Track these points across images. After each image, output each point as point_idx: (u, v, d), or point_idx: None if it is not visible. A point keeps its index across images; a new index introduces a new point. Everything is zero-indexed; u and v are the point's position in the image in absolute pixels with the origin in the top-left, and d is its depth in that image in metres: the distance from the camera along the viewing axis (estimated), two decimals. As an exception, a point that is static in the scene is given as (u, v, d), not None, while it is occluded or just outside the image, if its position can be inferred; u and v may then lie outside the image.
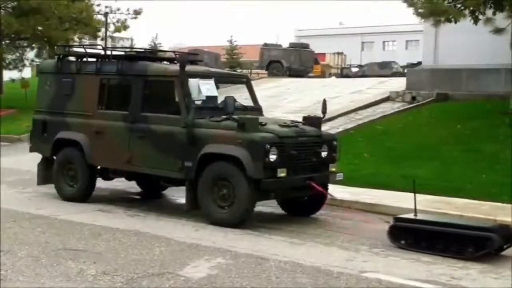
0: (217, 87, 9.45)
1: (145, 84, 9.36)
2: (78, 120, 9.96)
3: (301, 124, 9.13)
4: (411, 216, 7.66)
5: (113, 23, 31.82)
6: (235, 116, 8.55)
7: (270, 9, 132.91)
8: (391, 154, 13.52)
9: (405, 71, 30.05)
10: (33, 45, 28.86)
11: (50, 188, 10.42)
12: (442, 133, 14.89)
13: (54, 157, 10.28)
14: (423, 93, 19.74)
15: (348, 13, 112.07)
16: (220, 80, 9.98)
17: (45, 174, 10.41)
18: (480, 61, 18.93)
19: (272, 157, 8.17)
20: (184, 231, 8.07)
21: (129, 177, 10.33)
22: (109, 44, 35.23)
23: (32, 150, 10.71)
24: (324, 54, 53.37)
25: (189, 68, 9.22)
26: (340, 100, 20.96)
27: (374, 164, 12.68)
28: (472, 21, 15.53)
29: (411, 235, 7.43)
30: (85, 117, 9.88)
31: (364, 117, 18.21)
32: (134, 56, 10.17)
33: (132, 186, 11.15)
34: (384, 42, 74.19)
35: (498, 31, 15.73)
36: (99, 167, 10.08)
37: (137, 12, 30.54)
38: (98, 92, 9.79)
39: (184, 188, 8.92)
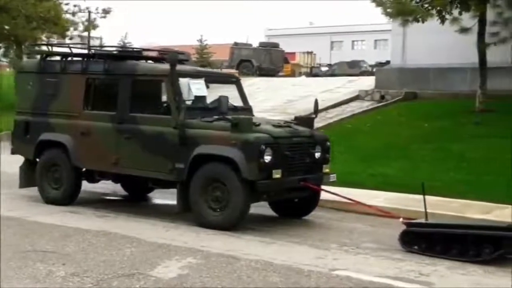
0: (207, 87, 9.21)
1: (134, 84, 9.10)
2: (63, 121, 9.66)
3: (293, 124, 9.01)
4: (422, 220, 7.48)
5: (82, 22, 31.53)
6: (228, 116, 8.39)
7: (240, 8, 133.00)
8: (360, 153, 13.63)
9: (374, 70, 30.38)
10: (0, 44, 28.46)
11: (25, 190, 10.23)
12: (411, 132, 15.06)
13: (37, 159, 9.97)
14: (392, 92, 19.98)
15: (318, 13, 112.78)
16: (210, 79, 9.65)
17: (28, 176, 10.08)
18: (447, 61, 19.22)
19: (267, 158, 7.99)
20: (155, 232, 8.04)
21: (115, 179, 10.06)
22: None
23: (14, 152, 10.37)
24: (294, 53, 53.47)
25: (179, 67, 9.00)
26: (310, 99, 20.99)
27: (344, 162, 12.76)
28: (439, 21, 15.78)
29: (424, 240, 7.24)
30: (70, 118, 9.57)
31: (334, 115, 18.33)
32: (120, 55, 9.94)
33: (107, 188, 11.03)
34: (353, 41, 74.71)
35: (464, 30, 16.03)
36: (84, 169, 9.79)
37: (106, 11, 30.31)
38: (84, 92, 9.49)
39: (167, 190, 8.70)
